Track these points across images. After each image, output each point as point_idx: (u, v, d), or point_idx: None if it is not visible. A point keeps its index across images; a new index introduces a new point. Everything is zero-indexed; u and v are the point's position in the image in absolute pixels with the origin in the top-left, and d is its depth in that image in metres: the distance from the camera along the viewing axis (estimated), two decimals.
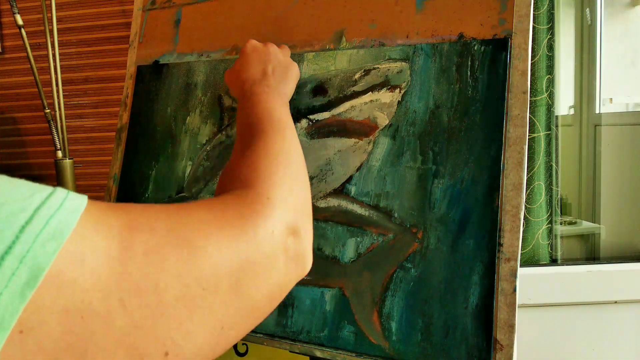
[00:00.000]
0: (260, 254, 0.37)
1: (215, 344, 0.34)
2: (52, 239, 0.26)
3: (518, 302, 0.54)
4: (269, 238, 0.38)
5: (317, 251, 0.65)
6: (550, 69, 1.15)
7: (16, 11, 1.16)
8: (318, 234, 0.65)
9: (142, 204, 0.34)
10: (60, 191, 0.28)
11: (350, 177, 0.65)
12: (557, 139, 1.20)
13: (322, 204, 0.66)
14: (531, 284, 1.13)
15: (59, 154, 1.23)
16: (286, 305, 0.66)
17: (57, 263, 0.26)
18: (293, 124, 0.56)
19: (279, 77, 0.62)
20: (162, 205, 0.35)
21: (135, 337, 0.29)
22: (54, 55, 1.22)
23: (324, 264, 0.64)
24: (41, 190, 0.28)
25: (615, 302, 1.13)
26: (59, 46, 1.25)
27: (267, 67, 0.62)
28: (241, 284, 0.35)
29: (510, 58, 0.59)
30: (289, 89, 0.63)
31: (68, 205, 0.28)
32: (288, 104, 0.61)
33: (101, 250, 0.28)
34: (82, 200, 0.29)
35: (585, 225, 1.34)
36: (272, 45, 0.65)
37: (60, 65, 1.24)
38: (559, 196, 1.22)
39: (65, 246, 0.26)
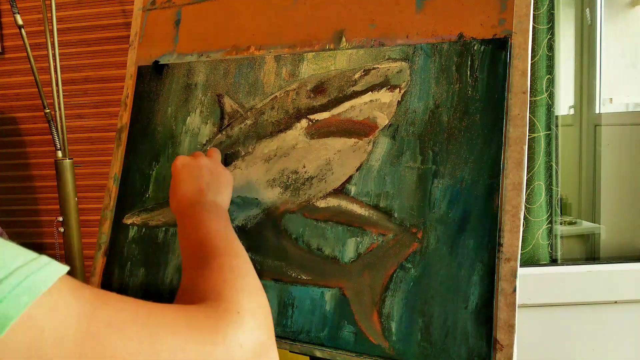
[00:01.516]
0: None
1: None
2: (27, 292, 0.28)
3: (518, 302, 0.54)
4: (238, 350, 0.37)
5: (317, 251, 0.65)
6: (550, 69, 1.15)
7: (16, 11, 1.16)
8: (318, 234, 0.65)
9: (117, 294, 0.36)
10: (44, 257, 0.31)
11: (350, 177, 0.65)
12: (557, 139, 1.20)
13: (322, 204, 0.66)
14: (531, 284, 1.13)
15: (59, 154, 1.23)
16: (286, 305, 0.66)
17: (30, 311, 0.28)
18: (237, 238, 0.54)
19: (214, 189, 0.61)
20: (136, 299, 0.36)
21: None
22: (54, 55, 1.22)
23: (324, 264, 0.64)
24: (26, 255, 0.30)
25: (615, 302, 1.13)
26: (59, 46, 1.25)
27: (201, 182, 0.60)
28: None
29: (510, 58, 0.59)
30: (226, 198, 0.62)
31: (49, 268, 0.30)
32: (227, 214, 0.59)
33: (73, 311, 0.30)
34: (63, 268, 0.31)
35: (585, 225, 1.34)
36: (202, 156, 0.64)
37: (60, 65, 1.24)
38: (559, 196, 1.22)
39: (40, 299, 0.28)
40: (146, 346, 0.32)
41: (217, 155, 0.68)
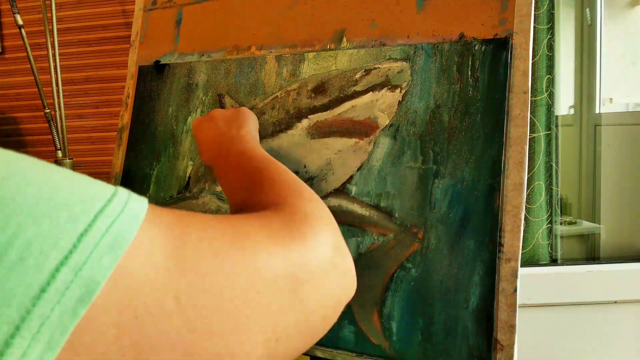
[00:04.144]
0: (313, 264, 0.36)
1: (269, 357, 0.32)
2: (111, 250, 0.24)
3: (518, 302, 0.54)
4: (317, 249, 0.37)
5: None
6: (550, 69, 1.15)
7: (16, 11, 1.16)
8: None
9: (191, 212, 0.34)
10: (121, 193, 0.27)
11: (351, 177, 0.65)
12: (557, 139, 1.20)
13: None
14: (531, 284, 1.13)
15: (59, 154, 1.23)
16: None
17: (118, 265, 0.25)
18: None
19: (237, 125, 0.63)
20: (209, 215, 0.34)
21: (190, 341, 0.27)
22: (54, 55, 1.22)
23: None
24: (103, 192, 0.26)
25: (615, 302, 1.13)
26: (59, 46, 1.25)
27: (221, 125, 0.63)
28: (296, 291, 0.34)
29: (511, 58, 0.59)
30: (253, 129, 0.64)
31: (128, 211, 0.26)
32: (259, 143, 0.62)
33: (158, 249, 0.27)
34: (142, 204, 0.28)
35: (585, 225, 1.34)
36: (213, 109, 0.67)
37: (60, 65, 1.24)
38: (559, 196, 1.22)
39: (128, 249, 0.25)
40: (238, 260, 0.31)
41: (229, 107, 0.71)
